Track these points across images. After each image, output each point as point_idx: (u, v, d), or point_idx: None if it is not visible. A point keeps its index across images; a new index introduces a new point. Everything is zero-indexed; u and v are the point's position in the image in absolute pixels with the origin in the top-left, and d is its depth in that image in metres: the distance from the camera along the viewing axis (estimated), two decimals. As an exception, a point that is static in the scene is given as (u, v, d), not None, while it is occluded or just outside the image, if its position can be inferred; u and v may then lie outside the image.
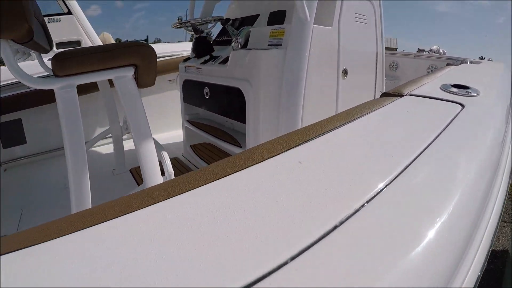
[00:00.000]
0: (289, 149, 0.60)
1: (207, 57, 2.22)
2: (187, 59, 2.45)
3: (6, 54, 1.01)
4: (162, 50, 3.13)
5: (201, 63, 2.16)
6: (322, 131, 0.68)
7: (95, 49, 1.11)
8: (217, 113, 2.13)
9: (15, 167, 2.46)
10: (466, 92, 1.07)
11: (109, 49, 1.14)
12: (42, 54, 1.67)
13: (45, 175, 2.28)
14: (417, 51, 4.40)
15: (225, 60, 1.93)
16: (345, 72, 1.89)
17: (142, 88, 1.30)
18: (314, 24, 1.66)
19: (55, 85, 1.05)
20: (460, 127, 0.74)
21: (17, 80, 1.22)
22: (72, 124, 1.07)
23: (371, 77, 2.19)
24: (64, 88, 1.05)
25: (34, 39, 1.06)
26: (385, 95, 1.04)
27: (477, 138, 0.72)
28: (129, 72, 1.18)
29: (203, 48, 2.28)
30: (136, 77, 1.23)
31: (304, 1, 1.61)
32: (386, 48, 2.30)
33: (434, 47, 4.44)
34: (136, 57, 1.17)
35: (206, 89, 2.13)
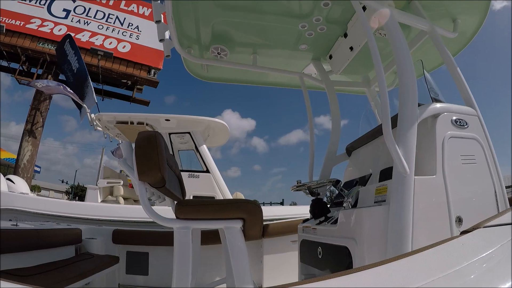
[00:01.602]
0: None
1: (323, 218, 2.34)
2: (306, 220, 2.61)
3: (141, 193, 1.41)
4: (291, 212, 3.42)
5: (317, 224, 2.28)
6: None
7: (211, 202, 1.43)
8: (329, 273, 2.06)
9: None
10: None
11: (222, 203, 1.44)
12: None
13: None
14: None
15: (337, 220, 2.01)
16: (459, 220, 1.66)
17: (250, 241, 1.49)
18: (415, 175, 1.65)
19: (175, 225, 1.36)
20: None
21: (148, 218, 1.57)
22: (182, 260, 1.30)
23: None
24: (181, 229, 1.34)
25: (166, 186, 1.45)
26: None
27: None
28: (238, 224, 1.41)
29: (320, 209, 2.44)
30: (244, 230, 1.44)
31: (401, 155, 1.67)
32: (508, 187, 1.93)
33: None
34: (244, 212, 1.42)
35: (319, 249, 2.16)
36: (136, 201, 6.51)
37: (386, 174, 2.13)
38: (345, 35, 2.76)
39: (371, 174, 2.42)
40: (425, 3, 2.34)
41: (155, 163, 1.46)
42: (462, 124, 1.96)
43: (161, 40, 2.69)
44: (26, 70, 14.02)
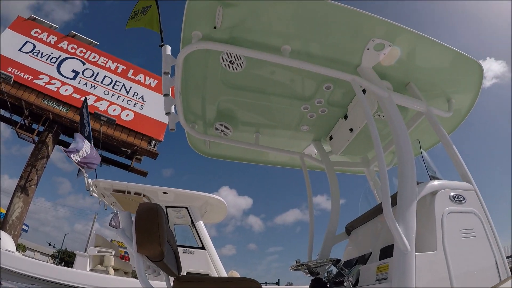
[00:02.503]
0: None
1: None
2: None
3: (139, 265, 1.37)
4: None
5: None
6: None
7: (212, 279, 1.38)
8: None
9: None
10: None
11: (222, 280, 1.39)
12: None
13: None
14: None
15: None
16: None
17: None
18: (416, 252, 1.64)
19: None
20: None
21: None
22: None
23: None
24: None
25: (164, 261, 1.41)
26: None
27: None
28: None
29: (320, 290, 2.33)
30: None
31: (401, 232, 1.68)
32: (508, 257, 1.91)
33: None
34: None
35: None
36: (126, 273, 6.14)
37: (387, 252, 2.09)
38: (345, 117, 2.96)
39: (371, 252, 2.37)
40: (421, 85, 2.57)
41: (155, 236, 1.47)
42: (460, 199, 2.01)
43: (167, 114, 2.81)
44: (27, 124, 13.97)
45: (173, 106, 2.70)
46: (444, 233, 1.82)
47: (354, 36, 2.22)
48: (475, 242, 1.92)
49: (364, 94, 2.35)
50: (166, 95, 2.52)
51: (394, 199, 1.95)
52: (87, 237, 28.80)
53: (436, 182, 2.06)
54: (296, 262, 2.54)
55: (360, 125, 2.79)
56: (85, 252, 5.56)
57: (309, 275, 2.46)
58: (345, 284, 2.00)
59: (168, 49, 2.41)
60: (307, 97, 2.81)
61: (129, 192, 5.29)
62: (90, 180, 5.64)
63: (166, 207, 5.42)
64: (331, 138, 3.28)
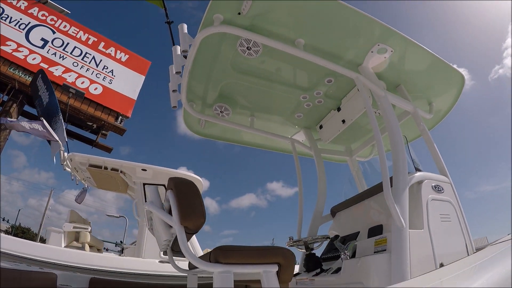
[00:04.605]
0: None
1: (318, 270, 2.48)
2: (296, 274, 2.71)
3: (182, 237, 1.48)
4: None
5: (313, 275, 2.41)
6: None
7: (252, 247, 1.54)
8: None
9: None
10: None
11: (261, 248, 1.56)
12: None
13: None
14: None
15: (337, 270, 2.18)
16: (441, 266, 2.00)
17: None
18: (409, 229, 1.96)
19: (217, 269, 1.43)
20: None
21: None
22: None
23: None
24: (223, 273, 1.42)
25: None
26: None
27: None
28: (274, 269, 1.52)
29: (314, 263, 2.59)
30: (278, 274, 1.55)
31: (399, 212, 1.97)
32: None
33: None
34: (281, 257, 1.54)
35: (322, 297, 2.27)
36: (99, 250, 6.04)
37: (375, 230, 2.41)
38: (338, 109, 3.21)
39: (359, 231, 2.66)
40: (409, 87, 2.89)
41: (199, 209, 1.59)
42: (439, 189, 2.37)
43: (174, 91, 2.90)
44: (-10, 93, 12.87)
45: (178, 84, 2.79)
46: (428, 216, 2.18)
47: (363, 39, 2.46)
48: (450, 226, 2.30)
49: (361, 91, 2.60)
50: (177, 72, 2.61)
51: (379, 187, 2.29)
52: (42, 213, 27.23)
53: (421, 173, 2.40)
54: (290, 239, 2.78)
55: (353, 118, 3.06)
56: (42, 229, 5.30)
57: (304, 250, 2.71)
58: (342, 257, 2.26)
59: (185, 27, 2.46)
60: (308, 87, 3.02)
61: (106, 168, 5.15)
62: (65, 154, 5.41)
63: (144, 184, 5.38)
64: (321, 127, 3.53)
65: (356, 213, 2.90)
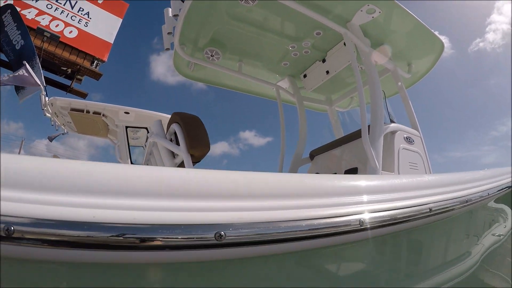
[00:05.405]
0: None
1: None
2: None
3: (189, 165, 1.70)
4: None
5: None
6: None
7: None
8: None
9: None
10: None
11: None
12: None
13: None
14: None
15: None
16: None
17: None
18: (382, 170, 2.28)
19: None
20: None
21: None
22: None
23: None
24: None
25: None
26: None
27: None
28: None
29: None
30: None
31: (374, 155, 2.28)
32: None
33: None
34: None
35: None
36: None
37: (351, 172, 2.75)
38: (323, 60, 3.38)
39: (335, 173, 3.01)
40: (392, 46, 3.09)
41: (205, 139, 1.79)
42: (410, 141, 2.70)
43: (169, 33, 2.94)
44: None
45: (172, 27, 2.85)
46: (399, 162, 2.50)
47: None
48: (417, 174, 2.64)
49: (347, 45, 2.77)
50: (175, 15, 2.65)
51: (357, 134, 2.59)
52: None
53: (395, 125, 2.71)
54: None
55: (337, 70, 3.26)
56: None
57: None
58: None
59: None
60: (297, 38, 3.13)
61: (88, 111, 5.09)
62: (46, 98, 5.23)
63: (126, 127, 5.42)
64: (305, 76, 3.71)
65: (333, 157, 3.23)
